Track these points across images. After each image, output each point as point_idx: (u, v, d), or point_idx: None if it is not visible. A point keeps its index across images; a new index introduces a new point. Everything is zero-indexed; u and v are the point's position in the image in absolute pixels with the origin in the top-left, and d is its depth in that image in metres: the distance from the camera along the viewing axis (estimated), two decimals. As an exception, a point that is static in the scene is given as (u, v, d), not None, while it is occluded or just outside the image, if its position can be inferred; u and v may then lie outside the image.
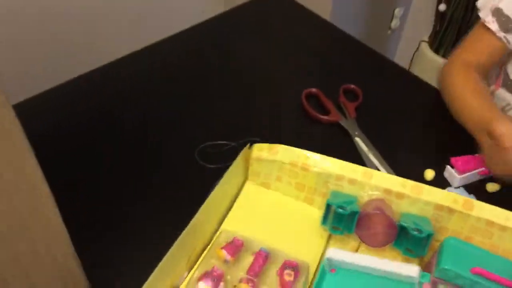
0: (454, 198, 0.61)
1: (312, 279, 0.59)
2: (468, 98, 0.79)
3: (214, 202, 0.58)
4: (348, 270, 0.60)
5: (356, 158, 0.78)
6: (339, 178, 0.63)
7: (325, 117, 0.82)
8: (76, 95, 0.86)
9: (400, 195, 0.62)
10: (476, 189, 0.74)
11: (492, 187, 0.75)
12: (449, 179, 0.76)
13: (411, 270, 0.55)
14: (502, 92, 0.89)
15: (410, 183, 0.62)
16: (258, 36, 1.01)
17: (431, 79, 0.93)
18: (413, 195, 0.61)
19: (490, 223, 0.60)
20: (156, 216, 0.67)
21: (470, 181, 0.76)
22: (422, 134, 0.84)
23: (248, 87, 0.90)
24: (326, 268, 0.59)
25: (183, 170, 0.73)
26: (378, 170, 0.76)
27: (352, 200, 0.62)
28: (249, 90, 0.89)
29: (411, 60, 1.81)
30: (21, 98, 0.80)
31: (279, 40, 1.01)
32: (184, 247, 0.54)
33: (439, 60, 1.66)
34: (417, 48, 1.77)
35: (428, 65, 1.68)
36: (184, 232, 0.54)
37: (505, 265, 0.56)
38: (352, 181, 0.63)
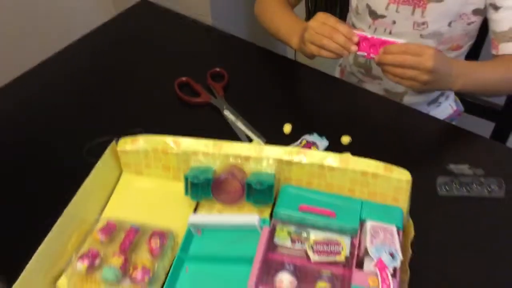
0: (289, 151, 0.72)
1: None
2: (280, 14, 1.04)
3: (84, 195, 0.69)
4: (212, 230, 0.71)
5: (227, 128, 0.89)
6: (195, 153, 0.74)
7: (197, 100, 0.93)
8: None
9: (246, 158, 0.73)
10: (332, 143, 0.86)
11: (345, 139, 0.87)
12: None
13: (253, 219, 0.67)
14: None
15: (252, 146, 0.74)
16: (135, 42, 1.11)
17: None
18: (256, 155, 0.72)
19: (321, 167, 0.71)
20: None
21: None
22: (281, 98, 0.97)
23: (128, 86, 1.00)
24: (193, 231, 0.71)
25: (72, 169, 0.80)
26: (246, 134, 0.87)
27: (208, 170, 0.73)
28: (129, 88, 0.99)
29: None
30: None
31: (154, 44, 1.10)
32: (60, 235, 0.65)
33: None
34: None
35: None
36: (58, 220, 0.64)
37: (331, 198, 0.69)
38: (205, 154, 0.73)
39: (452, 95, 1.16)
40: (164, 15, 1.17)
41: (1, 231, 0.75)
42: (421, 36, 0.98)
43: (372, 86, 1.10)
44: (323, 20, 0.86)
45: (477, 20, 0.97)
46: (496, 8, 0.91)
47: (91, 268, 0.63)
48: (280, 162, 0.72)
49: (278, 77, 1.03)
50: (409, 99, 1.08)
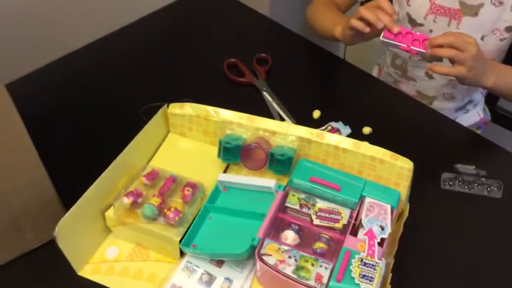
0: (311, 131, 0.83)
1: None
2: (328, 12, 1.15)
3: (136, 146, 0.83)
4: (236, 189, 0.84)
5: (264, 107, 1.02)
6: (231, 123, 0.86)
7: (241, 79, 1.06)
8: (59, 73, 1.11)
9: (273, 133, 0.85)
10: (354, 131, 0.97)
11: (366, 130, 0.97)
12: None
13: (270, 183, 0.79)
14: None
15: (280, 123, 0.85)
16: (195, 24, 1.25)
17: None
18: (282, 131, 0.84)
19: (336, 148, 0.82)
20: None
21: (391, 47, 0.99)
22: (316, 87, 1.09)
23: (184, 62, 1.14)
24: (220, 188, 0.84)
25: (131, 127, 0.96)
26: (279, 114, 0.99)
27: (239, 138, 0.86)
28: (184, 64, 1.13)
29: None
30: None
31: (211, 27, 1.24)
32: (112, 174, 0.79)
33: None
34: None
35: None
36: (112, 163, 0.79)
37: (339, 175, 0.79)
38: (239, 125, 0.86)
39: (481, 103, 1.22)
40: (225, 2, 1.30)
41: (69, 167, 0.90)
42: None
43: (406, 87, 1.18)
44: (371, 4, 0.94)
45: (509, 36, 1.03)
46: None
47: (135, 204, 0.78)
48: (301, 139, 0.84)
49: (318, 68, 1.14)
50: (438, 104, 1.16)
